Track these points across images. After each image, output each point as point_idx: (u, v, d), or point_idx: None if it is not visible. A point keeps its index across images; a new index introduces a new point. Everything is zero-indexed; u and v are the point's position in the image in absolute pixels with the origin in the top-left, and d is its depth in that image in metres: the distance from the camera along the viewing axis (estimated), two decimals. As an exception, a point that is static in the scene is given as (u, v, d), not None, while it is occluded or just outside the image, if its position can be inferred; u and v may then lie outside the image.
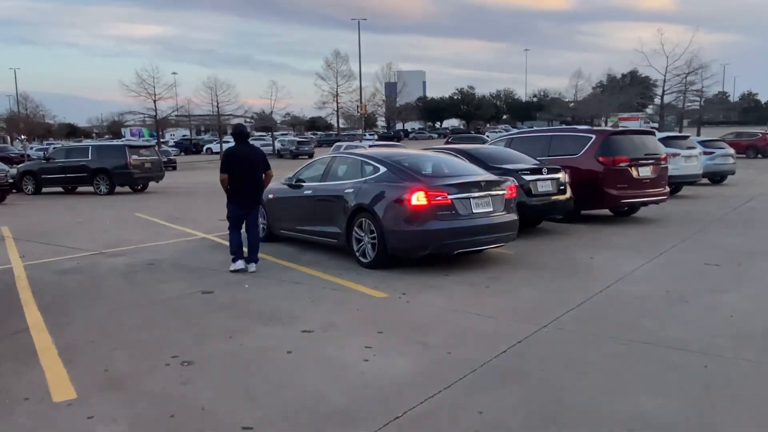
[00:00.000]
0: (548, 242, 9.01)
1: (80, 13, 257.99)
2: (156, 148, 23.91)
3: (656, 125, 47.89)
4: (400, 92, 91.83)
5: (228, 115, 66.21)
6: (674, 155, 14.38)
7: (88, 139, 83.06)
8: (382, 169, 7.50)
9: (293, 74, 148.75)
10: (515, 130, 15.10)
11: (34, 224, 12.59)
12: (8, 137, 79.63)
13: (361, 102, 59.36)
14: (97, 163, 21.39)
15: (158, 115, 48.63)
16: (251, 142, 7.94)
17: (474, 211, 7.04)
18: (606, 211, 11.59)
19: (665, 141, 14.41)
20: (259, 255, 7.55)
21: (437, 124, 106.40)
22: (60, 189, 22.37)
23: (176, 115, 74.66)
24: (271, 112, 57.08)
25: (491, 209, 7.21)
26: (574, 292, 6.05)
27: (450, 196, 6.88)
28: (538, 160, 10.40)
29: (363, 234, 7.35)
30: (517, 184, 9.06)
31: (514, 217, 7.57)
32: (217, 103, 51.24)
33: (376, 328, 4.97)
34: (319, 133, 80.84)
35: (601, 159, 10.46)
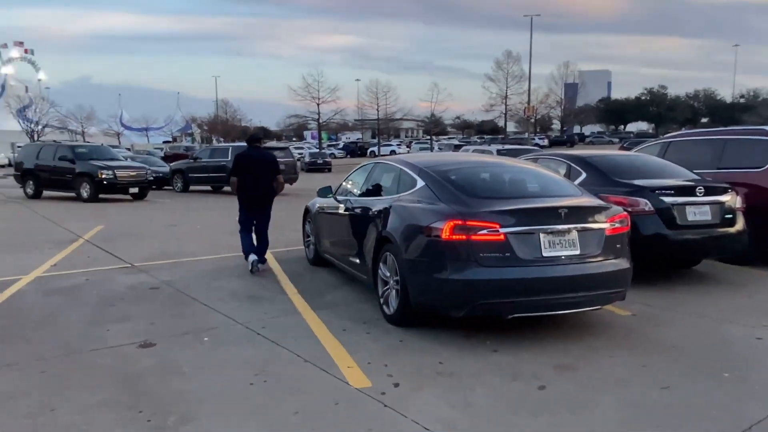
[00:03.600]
0: (695, 298, 5.97)
1: (282, 27, 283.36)
2: (290, 150, 23.54)
3: None
4: (579, 93, 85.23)
5: (395, 119, 66.47)
6: None
7: (273, 141, 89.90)
8: (419, 183, 5.22)
9: (471, 78, 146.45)
10: (675, 133, 11.51)
11: (129, 225, 12.23)
12: (213, 138, 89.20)
13: (528, 104, 55.36)
14: (235, 164, 21.44)
15: (320, 118, 49.79)
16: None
17: (545, 254, 4.46)
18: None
19: None
20: (284, 287, 6.53)
21: (621, 127, 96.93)
22: (209, 188, 22.92)
23: (355, 120, 76.81)
24: (432, 114, 55.67)
25: (577, 251, 4.57)
26: (699, 424, 3.29)
27: (504, 230, 4.40)
28: (698, 174, 7.25)
29: (389, 274, 5.16)
30: (650, 208, 6.21)
31: (623, 264, 4.81)
32: (378, 107, 51.16)
33: (275, 470, 2.82)
34: (486, 136, 77.71)
35: (801, 175, 6.97)
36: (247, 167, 7.32)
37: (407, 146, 66.94)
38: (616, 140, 72.66)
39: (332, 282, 6.80)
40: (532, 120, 63.06)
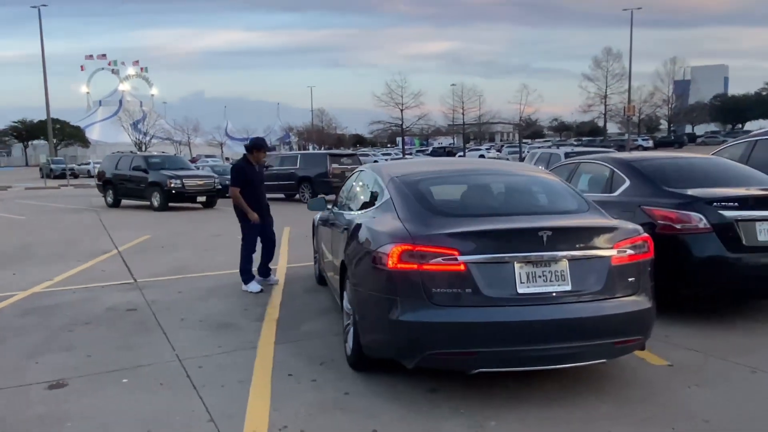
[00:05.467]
0: (763, 342, 4.55)
1: (378, 36, 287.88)
2: (357, 157, 23.04)
3: None
4: (690, 90, 78.87)
5: (485, 122, 64.58)
6: None
7: (364, 148, 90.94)
8: (385, 196, 4.26)
9: (571, 78, 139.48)
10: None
11: (174, 235, 12.10)
12: (309, 146, 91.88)
13: (628, 102, 51.55)
14: (303, 171, 21.40)
15: (404, 123, 49.25)
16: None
17: (521, 290, 3.38)
18: None
19: None
20: (268, 311, 5.88)
21: (739, 126, 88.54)
22: (282, 195, 22.85)
23: (449, 125, 75.81)
24: (525, 117, 53.41)
25: (568, 287, 3.43)
26: None
27: (464, 258, 3.37)
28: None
29: (349, 307, 4.26)
30: (705, 225, 4.90)
31: (640, 303, 3.59)
32: (463, 111, 49.82)
33: None
34: (583, 138, 73.49)
35: None
36: None
37: (497, 150, 64.75)
38: (732, 140, 66.07)
39: (323, 307, 5.98)
40: (635, 120, 58.55)
